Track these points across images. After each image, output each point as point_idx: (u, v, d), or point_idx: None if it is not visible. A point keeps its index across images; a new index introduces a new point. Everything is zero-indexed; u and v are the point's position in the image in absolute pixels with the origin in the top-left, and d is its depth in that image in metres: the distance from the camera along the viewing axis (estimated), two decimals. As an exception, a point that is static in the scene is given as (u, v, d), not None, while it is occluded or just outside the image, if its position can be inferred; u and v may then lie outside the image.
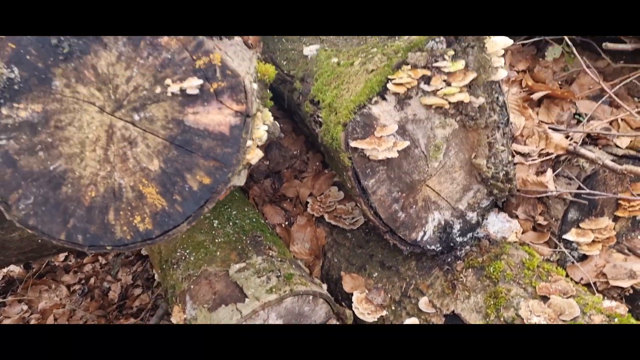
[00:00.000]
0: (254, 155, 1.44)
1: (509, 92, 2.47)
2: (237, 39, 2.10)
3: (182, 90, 1.25)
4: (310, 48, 2.49)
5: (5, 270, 4.64)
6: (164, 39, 1.24)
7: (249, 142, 1.32)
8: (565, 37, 2.30)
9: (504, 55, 1.84)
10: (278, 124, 1.91)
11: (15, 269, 4.65)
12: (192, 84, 1.24)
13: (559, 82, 2.63)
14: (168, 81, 1.25)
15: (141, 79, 1.26)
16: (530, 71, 2.72)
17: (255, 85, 1.36)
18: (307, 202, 2.63)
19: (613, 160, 2.04)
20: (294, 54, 2.64)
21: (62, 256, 4.84)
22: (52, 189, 1.28)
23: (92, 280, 4.53)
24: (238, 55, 1.46)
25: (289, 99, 2.62)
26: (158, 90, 1.26)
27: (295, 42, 2.72)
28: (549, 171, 2.11)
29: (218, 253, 2.23)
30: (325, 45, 2.44)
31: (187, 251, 2.29)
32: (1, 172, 1.25)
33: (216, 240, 2.31)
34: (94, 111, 1.27)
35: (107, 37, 1.23)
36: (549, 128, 2.22)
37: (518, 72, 2.70)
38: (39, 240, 2.64)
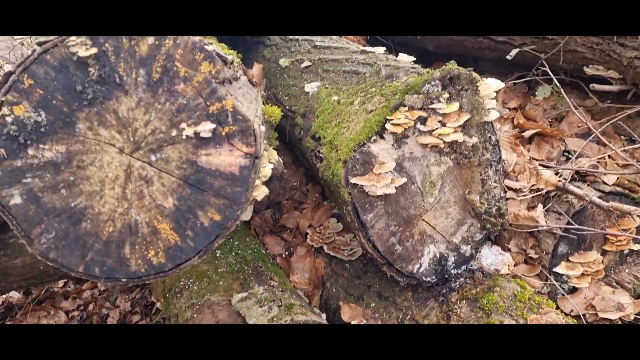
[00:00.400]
0: (260, 192, 1.53)
1: (502, 129, 2.59)
2: (243, 78, 2.22)
3: (196, 134, 1.35)
4: (312, 85, 2.60)
5: (4, 296, 4.67)
6: (180, 86, 1.34)
7: (257, 181, 1.41)
8: (554, 78, 2.42)
9: (496, 97, 1.95)
10: (281, 160, 2.01)
11: (14, 295, 4.68)
12: (206, 128, 1.33)
13: (549, 120, 2.75)
14: (183, 125, 1.35)
15: (158, 122, 1.35)
16: (522, 109, 2.84)
17: (263, 128, 1.46)
18: (307, 233, 2.71)
19: (600, 197, 2.14)
20: (296, 90, 2.75)
21: (61, 282, 4.88)
22: (72, 224, 1.37)
23: (90, 307, 4.56)
24: (246, 97, 1.56)
25: (290, 133, 2.72)
26: (174, 133, 1.36)
27: (297, 78, 2.83)
28: (540, 206, 2.20)
29: (221, 283, 2.30)
30: (326, 83, 2.55)
31: (191, 280, 2.36)
32: (25, 208, 1.34)
33: (219, 270, 2.38)
34: (113, 152, 1.36)
35: (127, 84, 1.33)
36: (540, 165, 2.33)
37: (510, 109, 2.82)
38: (41, 267, 2.70)
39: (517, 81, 2.96)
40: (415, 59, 2.52)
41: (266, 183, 1.59)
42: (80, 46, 1.28)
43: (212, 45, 1.38)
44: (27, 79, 1.29)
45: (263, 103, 2.40)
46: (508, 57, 2.51)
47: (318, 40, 3.09)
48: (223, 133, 1.35)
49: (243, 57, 3.52)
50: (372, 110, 1.95)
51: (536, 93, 2.75)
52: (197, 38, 1.37)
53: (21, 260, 2.64)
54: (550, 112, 2.79)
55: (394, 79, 2.18)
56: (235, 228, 1.55)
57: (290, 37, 3.27)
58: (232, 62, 1.44)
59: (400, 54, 2.58)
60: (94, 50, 1.29)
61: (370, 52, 2.66)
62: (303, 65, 2.85)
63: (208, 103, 1.34)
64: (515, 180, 2.36)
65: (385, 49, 2.73)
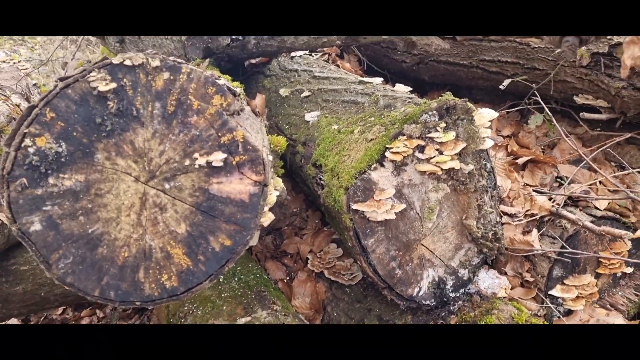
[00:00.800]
0: (267, 218, 1.60)
1: (496, 156, 2.67)
2: (247, 108, 2.30)
3: (209, 163, 1.42)
4: (312, 114, 2.69)
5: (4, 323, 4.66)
6: (194, 119, 1.42)
7: (265, 208, 1.48)
8: (545, 107, 2.52)
9: (490, 126, 2.04)
10: (285, 188, 2.09)
11: (13, 322, 4.68)
12: (218, 158, 1.41)
13: (542, 147, 2.84)
14: (196, 155, 1.42)
15: (172, 152, 1.43)
16: (515, 136, 2.94)
17: (270, 157, 1.54)
18: (307, 259, 2.77)
19: (592, 222, 2.22)
20: (296, 119, 2.83)
21: (60, 309, 4.88)
22: (89, 249, 1.43)
23: (89, 334, 4.55)
24: (253, 127, 1.64)
25: (290, 160, 2.80)
26: (187, 162, 1.43)
27: (297, 107, 2.91)
28: (534, 231, 2.28)
29: (224, 307, 2.35)
30: (326, 112, 2.63)
31: (195, 305, 2.41)
32: (44, 234, 1.40)
33: (222, 295, 2.42)
34: (130, 180, 1.43)
35: (144, 117, 1.41)
36: (533, 191, 2.41)
37: (504, 137, 2.91)
38: (42, 294, 2.74)
39: (510, 110, 3.06)
40: (411, 89, 2.62)
41: (270, 209, 1.66)
42: (100, 81, 1.36)
43: (222, 78, 1.46)
44: (49, 112, 1.37)
45: (266, 132, 2.49)
46: (501, 87, 2.61)
47: (317, 70, 3.20)
48: (234, 162, 1.42)
49: (244, 87, 3.63)
50: (372, 139, 2.03)
51: (529, 121, 2.85)
52: (208, 73, 1.45)
53: (22, 287, 2.68)
54: (543, 140, 2.89)
55: (392, 108, 2.27)
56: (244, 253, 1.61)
57: (290, 67, 3.38)
58: (239, 95, 1.52)
59: (397, 84, 2.68)
60: (113, 85, 1.37)
61: (368, 82, 2.76)
62: (303, 95, 2.94)
63: (220, 134, 1.42)
64: (510, 205, 2.43)
65: (382, 79, 2.84)
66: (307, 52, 3.59)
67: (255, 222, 1.45)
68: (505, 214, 2.37)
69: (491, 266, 2.31)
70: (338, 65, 3.61)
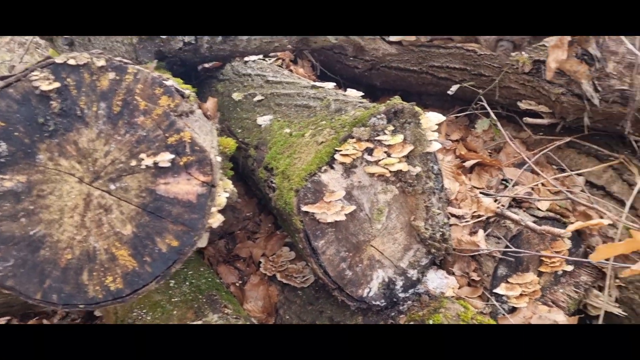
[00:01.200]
0: (216, 220, 1.60)
1: (445, 160, 2.75)
2: (198, 111, 2.29)
3: (155, 164, 1.41)
4: (264, 118, 2.69)
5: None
6: (140, 119, 1.41)
7: (213, 209, 1.48)
8: (491, 112, 2.61)
9: (438, 129, 2.10)
10: (236, 190, 2.09)
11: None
12: (165, 158, 1.40)
13: (489, 151, 2.93)
14: (143, 155, 1.41)
15: (118, 153, 1.41)
16: (464, 140, 3.02)
17: (219, 158, 1.54)
18: (260, 262, 2.77)
19: (534, 222, 2.30)
20: (249, 123, 2.83)
21: (4, 320, 4.71)
22: (31, 252, 1.40)
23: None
24: (202, 129, 1.64)
25: (243, 164, 2.79)
26: (133, 163, 1.42)
27: (250, 112, 2.91)
28: (481, 232, 2.35)
29: (175, 312, 2.32)
30: (278, 116, 2.64)
31: (144, 311, 2.37)
32: (-17, 237, 1.37)
33: (173, 300, 2.39)
34: (73, 181, 1.41)
35: (88, 117, 1.39)
36: (480, 193, 2.49)
37: (453, 141, 2.99)
38: None
39: (458, 114, 3.15)
40: (363, 94, 2.66)
41: (220, 212, 1.66)
42: (43, 80, 1.34)
43: (170, 80, 1.46)
44: (-12, 112, 1.34)
45: (218, 135, 2.48)
46: (449, 92, 2.69)
47: (270, 75, 3.21)
48: (181, 163, 1.42)
49: (197, 91, 3.60)
50: (322, 142, 2.05)
51: (475, 126, 2.94)
52: (156, 74, 1.45)
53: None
54: (490, 144, 2.98)
55: (343, 112, 2.30)
56: (192, 254, 1.61)
57: (243, 72, 3.38)
58: (188, 96, 1.52)
59: (349, 89, 2.72)
60: (57, 84, 1.35)
61: (321, 87, 2.79)
62: (256, 99, 2.94)
63: (167, 135, 1.42)
64: (458, 207, 2.50)
65: (334, 84, 2.87)
66: (260, 56, 3.60)
67: (203, 222, 1.45)
68: (453, 215, 2.44)
69: (439, 266, 2.36)
70: (292, 71, 3.63)
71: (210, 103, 2.53)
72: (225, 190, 1.71)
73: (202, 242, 1.62)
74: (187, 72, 3.53)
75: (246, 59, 3.58)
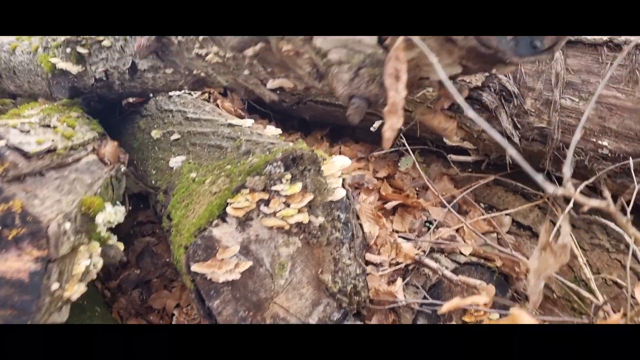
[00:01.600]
0: (74, 292, 1.42)
1: (367, 200, 2.60)
2: (88, 158, 2.11)
3: (-20, 237, 1.23)
4: (177, 159, 2.52)
5: None
6: (-38, 184, 1.22)
7: (55, 285, 1.29)
8: (410, 151, 2.48)
9: (366, 167, 1.95)
10: (121, 246, 1.90)
11: None
12: (-10, 231, 1.22)
13: (417, 189, 2.80)
14: (-36, 228, 1.23)
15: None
16: (392, 178, 2.89)
17: (67, 225, 1.36)
18: (173, 314, 2.58)
19: (456, 268, 2.16)
20: (163, 163, 2.65)
21: None
22: None
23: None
24: (61, 189, 1.46)
25: (154, 209, 2.62)
26: (-47, 237, 1.23)
27: (166, 151, 2.74)
28: (399, 280, 2.19)
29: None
30: (191, 157, 2.48)
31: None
32: None
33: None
34: None
35: None
36: (400, 237, 2.34)
37: (379, 179, 2.85)
38: None
39: (387, 150, 3.02)
40: (281, 131, 2.52)
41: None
42: None
43: (3, 140, 1.28)
44: None
45: (117, 180, 2.29)
46: (372, 129, 2.56)
47: (191, 111, 3.05)
48: (10, 237, 1.23)
49: (120, 127, 3.40)
50: (216, 192, 1.89)
51: (399, 163, 2.81)
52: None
53: None
54: (419, 181, 2.85)
55: (251, 155, 2.15)
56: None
57: (166, 107, 3.21)
58: (33, 154, 1.34)
59: (267, 126, 2.58)
60: None
61: (237, 125, 2.63)
62: (172, 137, 2.77)
63: (-7, 204, 1.23)
64: (378, 253, 2.35)
65: (253, 121, 2.72)
66: (185, 91, 3.43)
67: (38, 303, 1.26)
68: (372, 262, 2.28)
69: (358, 318, 2.20)
70: (218, 105, 3.47)
71: (109, 147, 2.35)
72: (91, 256, 1.53)
73: (61, 317, 1.44)
74: (110, 107, 3.36)
75: (171, 93, 3.42)
